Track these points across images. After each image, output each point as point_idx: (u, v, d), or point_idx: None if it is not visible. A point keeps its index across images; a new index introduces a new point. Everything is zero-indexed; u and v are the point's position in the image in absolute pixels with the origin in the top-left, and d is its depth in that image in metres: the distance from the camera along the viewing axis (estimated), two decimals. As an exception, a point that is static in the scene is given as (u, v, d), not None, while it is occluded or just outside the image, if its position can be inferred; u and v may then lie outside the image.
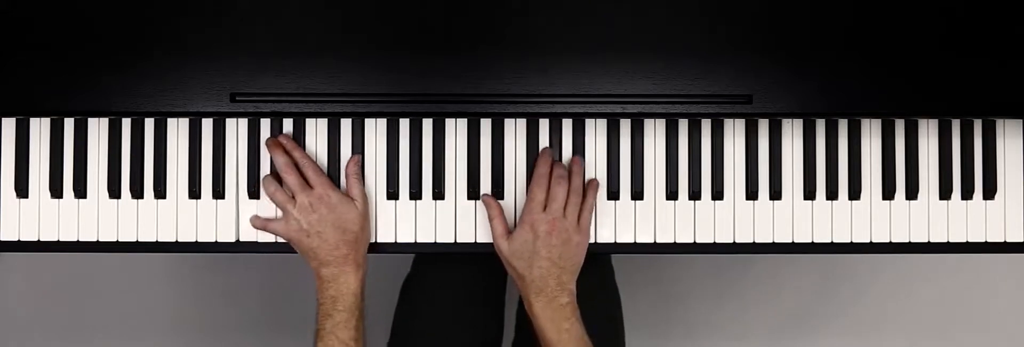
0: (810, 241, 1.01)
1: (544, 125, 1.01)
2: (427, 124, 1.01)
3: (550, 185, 0.96)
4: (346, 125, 1.01)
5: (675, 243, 1.01)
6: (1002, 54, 0.95)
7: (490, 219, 0.98)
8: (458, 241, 1.01)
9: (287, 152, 0.98)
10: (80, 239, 1.00)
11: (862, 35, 0.95)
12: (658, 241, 1.01)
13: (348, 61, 0.94)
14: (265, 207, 1.00)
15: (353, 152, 1.00)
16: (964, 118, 1.02)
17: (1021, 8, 0.94)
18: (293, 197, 0.96)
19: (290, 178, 0.97)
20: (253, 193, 1.00)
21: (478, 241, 1.01)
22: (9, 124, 1.01)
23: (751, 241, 1.01)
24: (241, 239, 1.01)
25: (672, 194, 1.01)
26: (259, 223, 0.99)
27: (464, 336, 1.13)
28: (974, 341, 1.75)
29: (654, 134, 1.01)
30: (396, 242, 1.01)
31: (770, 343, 1.74)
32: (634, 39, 0.95)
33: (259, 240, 1.01)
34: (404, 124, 1.01)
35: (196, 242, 1.01)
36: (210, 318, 1.73)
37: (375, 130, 1.01)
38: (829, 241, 1.01)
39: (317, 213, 0.95)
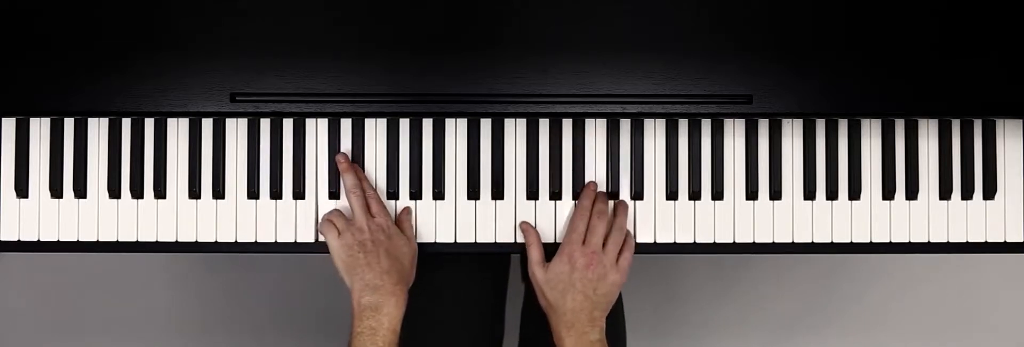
0: (810, 241, 1.01)
1: (544, 125, 1.01)
2: (427, 124, 1.01)
3: (591, 218, 0.96)
4: (346, 125, 1.01)
5: (675, 243, 1.01)
6: (1002, 54, 0.95)
7: (527, 246, 0.98)
8: (458, 241, 1.01)
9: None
10: (80, 239, 1.00)
11: (862, 35, 0.95)
12: (658, 241, 1.01)
13: (348, 61, 0.94)
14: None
15: (353, 152, 1.00)
16: (964, 118, 1.02)
17: (1020, 8, 0.95)
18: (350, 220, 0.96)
19: (356, 200, 0.96)
20: (252, 193, 1.00)
21: (478, 241, 1.01)
22: (9, 124, 1.01)
23: (751, 241, 1.01)
24: (240, 239, 1.01)
25: (672, 194, 1.01)
26: (325, 227, 0.97)
27: (466, 337, 1.12)
28: (974, 341, 1.75)
29: (654, 134, 1.01)
30: (396, 242, 1.01)
31: (770, 343, 1.74)
32: (634, 39, 0.95)
33: (259, 240, 1.01)
34: (404, 124, 1.01)
35: (196, 242, 1.01)
36: (210, 318, 1.73)
37: (375, 130, 1.01)
38: (829, 241, 1.01)
39: (374, 236, 0.94)
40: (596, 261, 0.94)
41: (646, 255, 1.01)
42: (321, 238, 0.99)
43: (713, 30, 0.95)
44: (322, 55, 0.94)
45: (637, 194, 1.01)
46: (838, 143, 1.02)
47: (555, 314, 0.94)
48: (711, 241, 1.01)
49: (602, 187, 1.01)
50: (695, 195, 1.01)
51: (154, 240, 1.00)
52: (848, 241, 1.02)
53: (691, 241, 1.01)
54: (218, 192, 1.00)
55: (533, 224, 1.00)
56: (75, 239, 1.00)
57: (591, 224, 0.96)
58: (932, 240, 1.02)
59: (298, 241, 1.00)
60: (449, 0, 0.94)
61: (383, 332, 0.91)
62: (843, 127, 1.02)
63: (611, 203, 1.00)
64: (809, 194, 1.01)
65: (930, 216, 1.02)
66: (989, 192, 1.02)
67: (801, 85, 0.95)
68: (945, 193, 1.02)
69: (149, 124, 1.01)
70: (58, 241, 1.01)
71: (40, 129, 1.01)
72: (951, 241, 1.02)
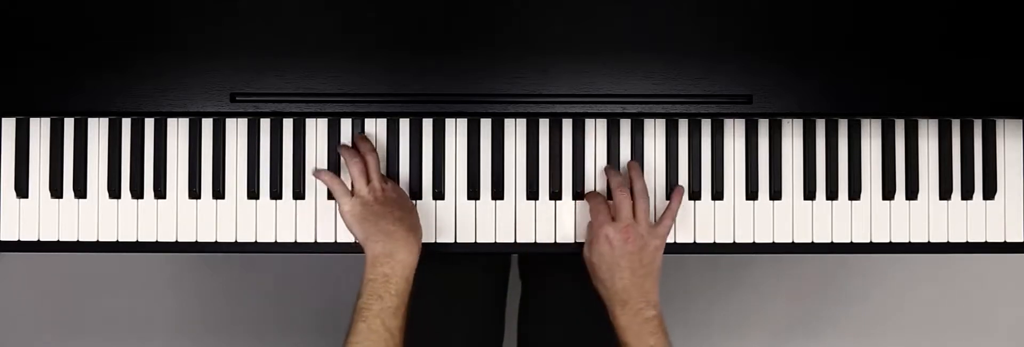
0: (810, 241, 1.01)
1: (544, 125, 1.01)
2: (427, 124, 1.01)
3: (615, 193, 0.96)
4: (346, 125, 1.01)
5: (675, 243, 1.01)
6: (1002, 54, 0.95)
7: (592, 213, 0.97)
8: (458, 241, 1.01)
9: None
10: (80, 239, 1.00)
11: (862, 35, 0.95)
12: (658, 241, 1.01)
13: (348, 61, 0.94)
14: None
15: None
16: (964, 118, 1.02)
17: (1021, 8, 0.95)
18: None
19: (372, 161, 0.97)
20: (252, 193, 1.00)
21: (478, 241, 1.01)
22: (9, 124, 1.01)
23: (751, 241, 1.01)
24: (240, 239, 1.01)
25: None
26: (335, 183, 0.97)
27: (466, 337, 1.12)
28: (975, 342, 1.75)
29: (654, 134, 1.01)
30: (396, 242, 1.00)
31: (770, 343, 1.74)
32: (634, 39, 0.95)
33: (259, 240, 1.01)
34: (404, 124, 1.01)
35: (196, 242, 1.01)
36: (210, 319, 1.73)
37: (375, 130, 1.01)
38: (829, 241, 1.01)
39: (386, 194, 0.96)
40: (632, 233, 0.93)
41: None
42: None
43: (713, 30, 0.95)
44: (322, 55, 0.94)
45: (637, 194, 1.01)
46: (838, 143, 1.02)
47: (607, 292, 0.94)
48: (711, 241, 1.01)
49: (601, 188, 1.01)
50: (695, 195, 1.01)
51: (154, 240, 1.00)
52: (848, 241, 1.02)
53: (691, 241, 1.01)
54: (218, 192, 1.00)
55: (533, 225, 1.00)
56: (75, 239, 1.00)
57: (616, 199, 0.95)
58: (932, 240, 1.02)
59: (298, 241, 1.00)
60: (449, 0, 0.94)
61: (396, 279, 0.91)
62: (843, 127, 1.02)
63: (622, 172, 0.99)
64: (809, 194, 1.01)
65: (930, 216, 1.02)
66: (989, 192, 1.02)
67: (801, 85, 0.95)
68: (945, 193, 1.02)
69: (149, 124, 1.01)
70: (58, 241, 1.01)
71: (40, 129, 1.01)
72: (951, 241, 1.02)
